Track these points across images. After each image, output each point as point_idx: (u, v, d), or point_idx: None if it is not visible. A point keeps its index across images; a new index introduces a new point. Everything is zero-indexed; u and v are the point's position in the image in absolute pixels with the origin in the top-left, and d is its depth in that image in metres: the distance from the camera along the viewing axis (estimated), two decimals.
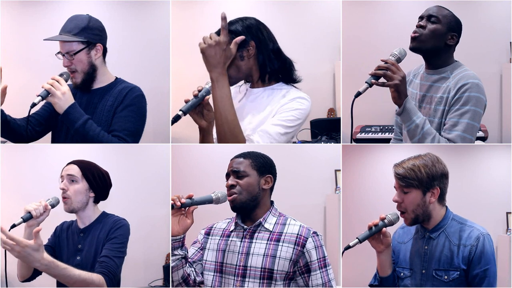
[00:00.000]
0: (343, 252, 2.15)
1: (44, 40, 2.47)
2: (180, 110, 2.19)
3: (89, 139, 2.34)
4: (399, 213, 2.12)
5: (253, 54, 2.27)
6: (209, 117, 2.26)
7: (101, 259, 2.24)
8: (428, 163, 2.06)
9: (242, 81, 2.43)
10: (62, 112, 2.33)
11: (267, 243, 2.08)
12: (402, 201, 2.08)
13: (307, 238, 2.07)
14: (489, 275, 2.06)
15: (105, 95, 2.50)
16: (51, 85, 2.32)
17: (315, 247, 2.07)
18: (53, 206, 2.29)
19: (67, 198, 2.33)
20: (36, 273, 2.35)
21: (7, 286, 3.28)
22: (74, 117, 2.33)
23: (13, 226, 2.18)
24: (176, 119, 2.18)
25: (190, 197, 2.07)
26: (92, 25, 2.49)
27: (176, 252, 2.08)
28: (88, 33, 2.46)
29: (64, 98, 2.32)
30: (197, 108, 2.23)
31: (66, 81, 2.39)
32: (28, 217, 2.22)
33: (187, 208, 2.07)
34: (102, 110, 2.47)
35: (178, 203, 2.04)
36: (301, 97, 2.27)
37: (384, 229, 2.11)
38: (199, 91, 2.22)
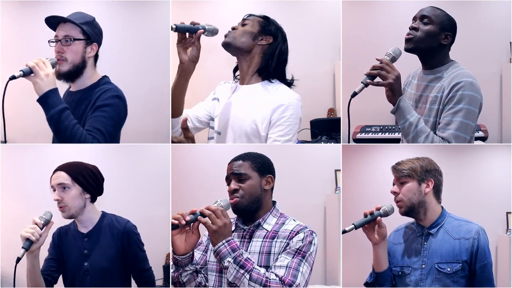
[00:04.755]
0: (342, 233, 2.19)
1: (47, 18, 2.41)
2: (174, 24, 2.19)
3: (62, 129, 2.19)
4: (395, 205, 2.22)
5: (263, 45, 2.37)
6: (193, 54, 2.25)
7: (143, 275, 2.39)
8: (423, 161, 2.24)
9: (232, 81, 2.46)
10: (41, 94, 2.18)
11: (262, 241, 2.08)
12: (399, 192, 2.20)
13: (299, 232, 2.05)
14: (490, 267, 2.16)
15: (84, 97, 2.41)
16: (36, 64, 2.20)
17: (302, 239, 2.02)
18: (47, 222, 2.20)
19: (64, 206, 2.28)
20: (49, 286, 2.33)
21: (2, 286, 3.28)
22: (52, 102, 2.19)
23: (18, 260, 2.12)
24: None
25: (193, 213, 2.01)
26: (96, 24, 2.48)
27: (187, 268, 2.07)
28: (91, 29, 2.43)
29: (46, 80, 2.19)
30: (187, 40, 2.25)
31: (53, 67, 2.27)
32: (29, 245, 2.14)
33: (191, 224, 2.03)
34: (77, 114, 2.36)
35: (183, 221, 1.98)
36: (291, 98, 2.31)
37: (379, 218, 2.17)
38: (196, 23, 2.26)
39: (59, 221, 2.38)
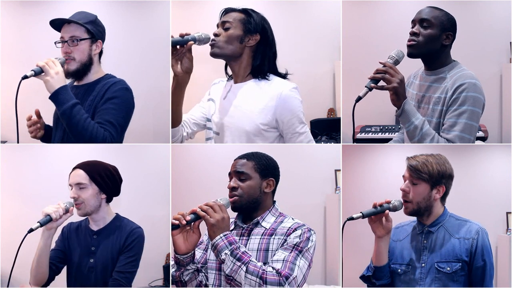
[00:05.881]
0: (344, 223, 2.17)
1: (51, 21, 2.46)
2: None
3: (74, 123, 2.28)
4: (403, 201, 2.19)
5: (252, 45, 2.34)
6: (187, 66, 2.24)
7: (115, 276, 2.30)
8: (439, 161, 2.16)
9: (225, 79, 2.45)
10: (53, 92, 2.29)
11: (260, 238, 2.08)
12: (410, 191, 2.16)
13: (296, 229, 2.05)
14: (490, 268, 2.13)
15: (91, 90, 2.47)
16: (46, 63, 2.30)
17: (300, 235, 2.03)
18: (68, 209, 2.29)
19: (80, 203, 2.33)
20: (49, 280, 2.35)
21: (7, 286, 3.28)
22: (63, 98, 2.28)
23: (31, 230, 2.18)
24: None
25: (193, 212, 2.02)
26: (99, 22, 2.54)
27: (188, 267, 2.08)
28: (95, 27, 2.49)
29: (56, 78, 2.29)
30: (178, 52, 2.23)
31: (62, 66, 2.36)
32: (47, 220, 2.22)
33: (192, 223, 2.04)
34: (85, 105, 2.42)
35: (184, 221, 2.00)
36: (289, 90, 2.29)
37: (387, 212, 2.15)
38: (186, 34, 2.23)
39: (71, 217, 2.40)
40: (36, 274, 2.29)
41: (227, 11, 2.37)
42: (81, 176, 2.35)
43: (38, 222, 2.21)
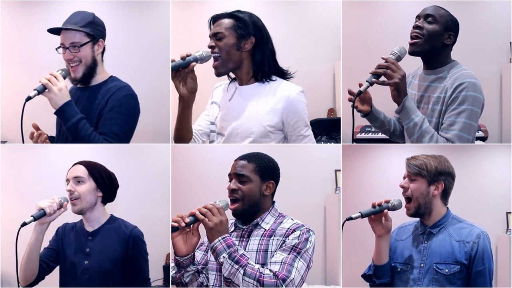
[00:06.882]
0: (343, 223, 2.19)
1: (49, 29, 2.44)
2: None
3: (80, 138, 2.31)
4: (403, 200, 2.21)
5: (249, 49, 2.32)
6: (191, 86, 2.24)
7: (139, 285, 2.31)
8: (439, 160, 2.19)
9: (228, 81, 2.45)
10: (57, 109, 2.30)
11: (260, 239, 2.08)
12: (408, 187, 2.18)
13: (295, 230, 2.06)
14: (489, 273, 2.13)
15: (96, 93, 2.46)
16: (49, 80, 2.29)
17: (298, 236, 2.03)
18: (62, 204, 2.28)
19: (76, 199, 2.32)
20: (39, 278, 2.34)
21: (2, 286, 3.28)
22: (68, 115, 2.30)
23: (24, 224, 2.18)
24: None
25: (192, 214, 2.02)
26: (97, 21, 2.50)
27: (189, 269, 2.08)
28: (94, 28, 2.46)
29: (60, 94, 2.29)
30: (181, 73, 2.22)
31: (64, 78, 2.36)
32: (41, 215, 2.22)
33: (191, 225, 2.04)
34: (90, 109, 2.42)
35: (183, 223, 2.00)
36: (295, 93, 2.30)
37: (386, 211, 2.17)
38: (188, 55, 2.22)
39: (66, 217, 2.40)
40: (25, 270, 2.27)
41: (214, 19, 2.35)
42: (80, 170, 2.34)
43: (31, 216, 2.21)
